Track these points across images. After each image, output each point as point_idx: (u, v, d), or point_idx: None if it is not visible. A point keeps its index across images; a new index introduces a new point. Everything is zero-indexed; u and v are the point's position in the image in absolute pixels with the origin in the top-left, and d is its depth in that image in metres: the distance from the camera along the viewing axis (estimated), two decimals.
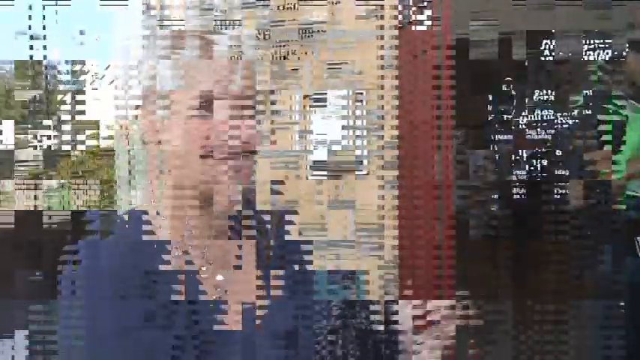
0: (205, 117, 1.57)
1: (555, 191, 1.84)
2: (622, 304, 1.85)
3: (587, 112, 1.86)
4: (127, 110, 1.64)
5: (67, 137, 1.74)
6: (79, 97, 1.74)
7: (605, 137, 1.85)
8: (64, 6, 1.72)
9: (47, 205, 1.73)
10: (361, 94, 1.77)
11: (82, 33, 1.72)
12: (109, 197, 1.69)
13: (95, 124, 1.73)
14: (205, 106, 1.57)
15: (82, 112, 1.74)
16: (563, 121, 1.86)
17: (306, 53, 1.75)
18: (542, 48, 1.86)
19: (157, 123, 1.59)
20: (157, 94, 1.58)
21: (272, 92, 1.70)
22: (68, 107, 1.74)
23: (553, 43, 1.86)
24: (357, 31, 1.77)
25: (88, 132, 1.73)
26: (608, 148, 1.85)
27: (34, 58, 1.73)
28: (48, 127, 1.74)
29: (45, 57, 1.73)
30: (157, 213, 1.61)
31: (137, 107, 1.62)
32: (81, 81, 1.74)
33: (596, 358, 1.84)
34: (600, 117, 1.86)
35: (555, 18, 1.85)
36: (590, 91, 1.87)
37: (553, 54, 1.86)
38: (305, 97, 1.73)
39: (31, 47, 1.72)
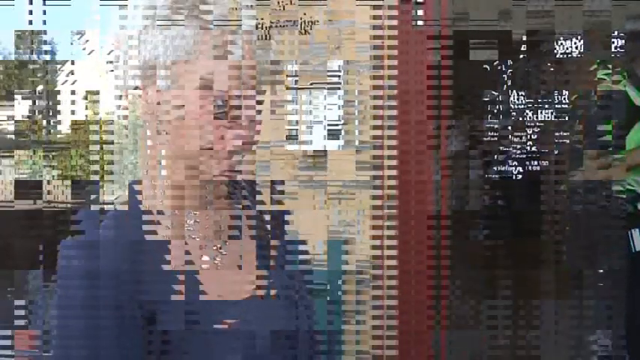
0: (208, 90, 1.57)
1: (552, 189, 1.85)
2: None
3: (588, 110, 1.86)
4: (127, 83, 1.63)
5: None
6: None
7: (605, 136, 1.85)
8: None
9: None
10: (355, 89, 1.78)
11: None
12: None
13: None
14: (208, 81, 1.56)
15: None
16: (560, 117, 1.87)
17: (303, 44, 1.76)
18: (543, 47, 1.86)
19: (159, 95, 1.58)
20: (159, 66, 1.57)
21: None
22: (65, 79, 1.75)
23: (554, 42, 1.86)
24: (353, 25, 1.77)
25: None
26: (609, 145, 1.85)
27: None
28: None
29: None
30: (159, 212, 1.61)
31: (136, 86, 1.61)
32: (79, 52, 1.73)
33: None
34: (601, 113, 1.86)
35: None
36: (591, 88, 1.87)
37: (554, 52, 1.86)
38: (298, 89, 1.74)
39: (30, 14, 1.71)
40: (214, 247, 1.63)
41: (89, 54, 1.72)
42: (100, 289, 1.54)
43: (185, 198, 1.60)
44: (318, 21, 1.81)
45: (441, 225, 1.81)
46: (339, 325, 1.76)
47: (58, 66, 1.75)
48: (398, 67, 1.79)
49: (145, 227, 1.60)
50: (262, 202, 1.68)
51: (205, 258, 1.61)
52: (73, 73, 1.76)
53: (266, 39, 1.74)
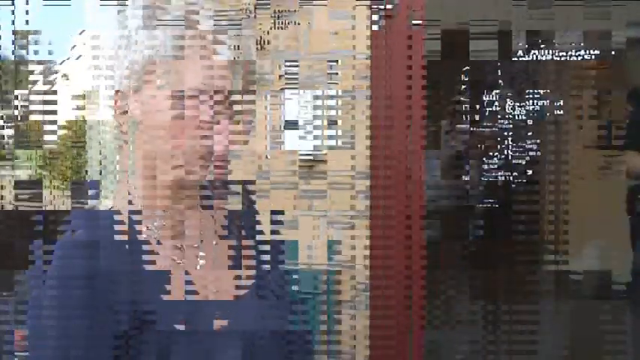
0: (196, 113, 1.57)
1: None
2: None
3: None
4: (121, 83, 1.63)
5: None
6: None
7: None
8: None
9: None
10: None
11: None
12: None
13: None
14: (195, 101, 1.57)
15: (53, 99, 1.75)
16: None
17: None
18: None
19: (154, 97, 1.58)
20: (155, 65, 1.57)
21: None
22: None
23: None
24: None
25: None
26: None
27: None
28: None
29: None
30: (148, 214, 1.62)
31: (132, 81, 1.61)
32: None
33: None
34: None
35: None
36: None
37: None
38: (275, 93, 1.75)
39: (12, 13, 1.72)
40: (197, 249, 1.63)
41: (77, 58, 1.73)
42: (84, 290, 1.55)
43: (177, 199, 1.61)
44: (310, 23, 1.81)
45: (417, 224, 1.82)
46: (332, 325, 1.77)
47: (43, 67, 1.76)
48: (393, 67, 1.80)
49: (134, 229, 1.60)
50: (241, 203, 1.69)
51: (187, 259, 1.62)
52: (64, 75, 1.77)
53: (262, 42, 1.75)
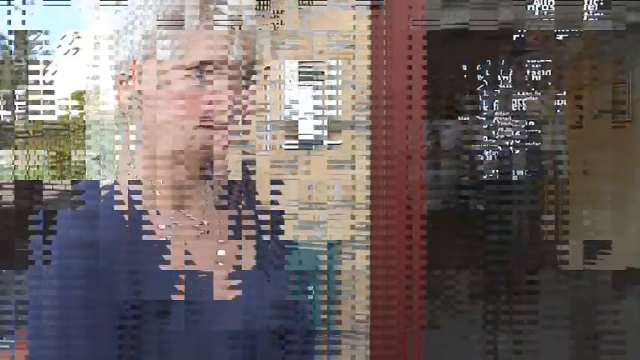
0: (201, 85, 1.56)
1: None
2: None
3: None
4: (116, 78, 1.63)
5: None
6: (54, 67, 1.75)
7: None
8: None
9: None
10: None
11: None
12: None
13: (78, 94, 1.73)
14: (202, 74, 1.56)
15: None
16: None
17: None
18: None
19: (150, 91, 1.58)
20: (153, 61, 1.57)
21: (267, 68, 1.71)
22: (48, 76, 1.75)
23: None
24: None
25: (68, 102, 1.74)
26: None
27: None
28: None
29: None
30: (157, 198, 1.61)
31: (129, 76, 1.61)
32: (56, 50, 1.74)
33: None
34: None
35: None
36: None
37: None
38: (267, 67, 1.74)
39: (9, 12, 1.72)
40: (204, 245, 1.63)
41: (76, 52, 1.73)
42: (79, 289, 1.55)
43: (181, 197, 1.61)
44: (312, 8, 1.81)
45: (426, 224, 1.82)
46: (332, 325, 1.77)
47: (47, 65, 1.76)
48: (393, 67, 1.79)
49: (141, 227, 1.60)
50: (238, 202, 1.68)
51: (190, 257, 1.62)
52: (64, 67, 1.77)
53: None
